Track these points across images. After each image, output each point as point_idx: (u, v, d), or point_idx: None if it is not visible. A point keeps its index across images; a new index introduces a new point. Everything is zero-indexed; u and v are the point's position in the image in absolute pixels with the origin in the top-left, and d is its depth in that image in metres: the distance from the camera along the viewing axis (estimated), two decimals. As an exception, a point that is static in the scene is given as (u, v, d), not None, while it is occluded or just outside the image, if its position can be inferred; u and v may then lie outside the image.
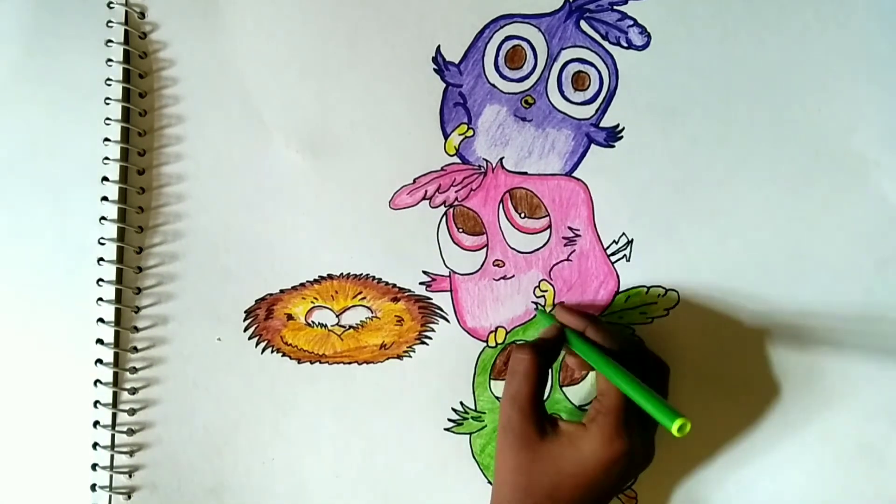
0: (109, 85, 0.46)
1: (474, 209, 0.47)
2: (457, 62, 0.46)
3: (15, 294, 0.47)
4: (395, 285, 0.47)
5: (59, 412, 0.46)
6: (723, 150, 0.46)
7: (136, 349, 0.46)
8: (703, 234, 0.46)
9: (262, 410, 0.47)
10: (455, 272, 0.47)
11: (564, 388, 0.47)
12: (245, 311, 0.47)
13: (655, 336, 0.46)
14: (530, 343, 0.42)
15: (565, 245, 0.47)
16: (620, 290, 0.47)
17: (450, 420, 0.47)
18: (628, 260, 0.47)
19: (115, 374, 0.46)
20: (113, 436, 0.46)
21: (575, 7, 0.46)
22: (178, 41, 0.47)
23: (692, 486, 0.47)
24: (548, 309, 0.46)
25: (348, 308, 0.47)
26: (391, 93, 0.46)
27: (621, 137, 0.46)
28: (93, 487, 0.46)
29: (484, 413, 0.47)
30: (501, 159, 0.47)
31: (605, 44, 0.46)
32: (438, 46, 0.46)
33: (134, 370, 0.46)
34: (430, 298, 0.47)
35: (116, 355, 0.46)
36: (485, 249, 0.47)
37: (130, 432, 0.46)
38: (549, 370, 0.41)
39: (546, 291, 0.47)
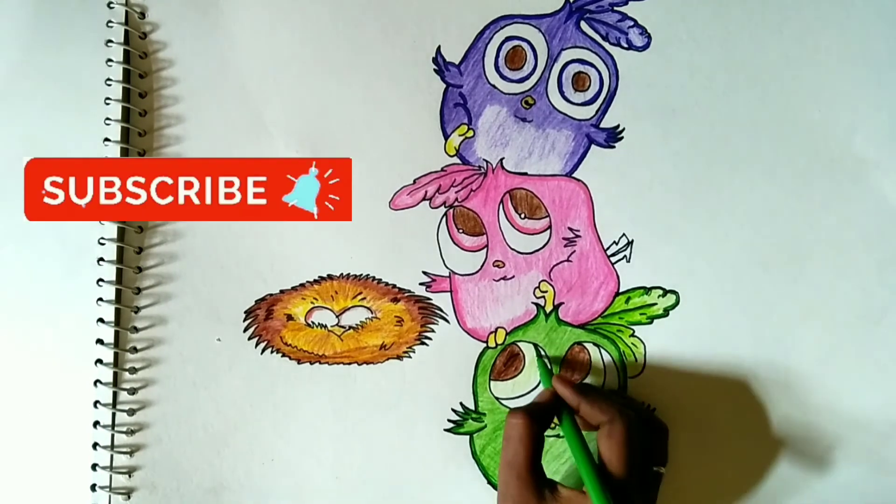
0: (109, 85, 0.46)
1: (474, 210, 0.47)
2: (457, 63, 0.46)
3: (15, 294, 0.47)
4: (395, 286, 0.47)
5: (60, 412, 0.46)
6: (723, 151, 0.46)
7: (135, 349, 0.46)
8: (703, 234, 0.46)
9: (261, 411, 0.47)
10: (455, 273, 0.47)
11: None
12: (245, 312, 0.47)
13: (656, 337, 0.46)
14: (524, 408, 0.41)
15: (565, 246, 0.47)
16: (620, 290, 0.47)
17: (450, 421, 0.47)
18: (628, 261, 0.47)
19: (115, 375, 0.46)
20: (113, 436, 0.46)
21: (575, 8, 0.46)
22: (178, 41, 0.47)
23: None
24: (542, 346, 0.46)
25: (348, 308, 0.47)
26: (391, 93, 0.46)
27: (621, 138, 0.46)
28: (93, 487, 0.46)
29: (484, 414, 0.47)
30: (501, 160, 0.47)
31: (606, 44, 0.46)
32: (439, 47, 0.46)
33: (134, 370, 0.46)
34: (430, 299, 0.47)
35: (116, 355, 0.46)
36: (485, 250, 0.47)
37: (130, 432, 0.46)
38: (544, 435, 0.41)
39: (546, 292, 0.47)
